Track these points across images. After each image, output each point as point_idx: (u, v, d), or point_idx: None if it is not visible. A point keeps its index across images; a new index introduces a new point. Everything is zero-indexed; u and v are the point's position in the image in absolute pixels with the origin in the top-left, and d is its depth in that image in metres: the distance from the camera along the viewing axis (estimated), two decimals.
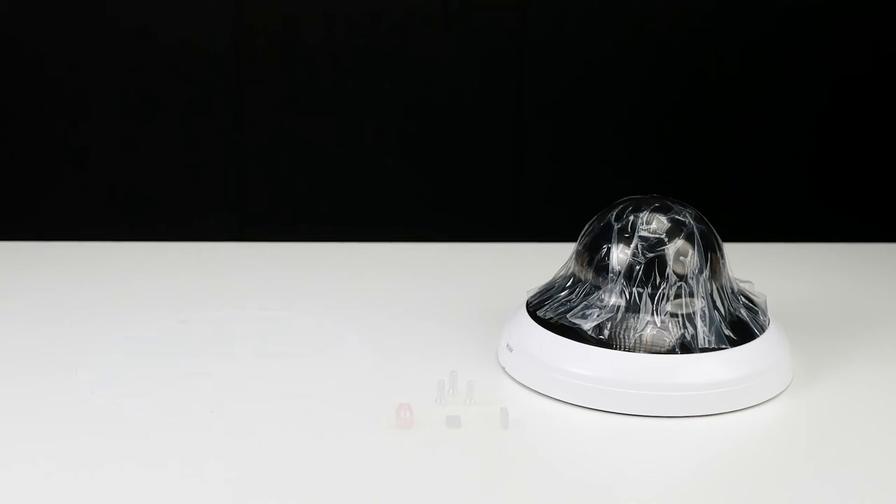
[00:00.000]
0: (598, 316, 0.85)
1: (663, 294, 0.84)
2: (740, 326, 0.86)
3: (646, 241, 0.86)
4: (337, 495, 0.72)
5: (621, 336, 0.84)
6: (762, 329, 0.88)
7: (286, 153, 1.35)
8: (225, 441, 0.79)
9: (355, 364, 0.92)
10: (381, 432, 0.80)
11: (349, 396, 0.86)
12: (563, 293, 0.89)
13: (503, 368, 0.90)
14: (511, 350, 0.89)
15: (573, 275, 0.89)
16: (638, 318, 0.84)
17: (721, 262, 0.88)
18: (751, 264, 1.16)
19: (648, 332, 0.84)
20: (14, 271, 1.14)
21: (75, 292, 1.08)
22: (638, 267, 0.85)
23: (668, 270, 0.85)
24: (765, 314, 0.90)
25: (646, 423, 0.82)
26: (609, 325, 0.85)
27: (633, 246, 0.86)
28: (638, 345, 0.84)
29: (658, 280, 0.85)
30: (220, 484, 0.73)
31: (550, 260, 0.98)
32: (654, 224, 0.86)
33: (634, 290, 0.85)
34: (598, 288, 0.86)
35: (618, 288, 0.85)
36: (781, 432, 0.83)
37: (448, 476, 0.75)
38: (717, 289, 0.86)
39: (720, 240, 0.89)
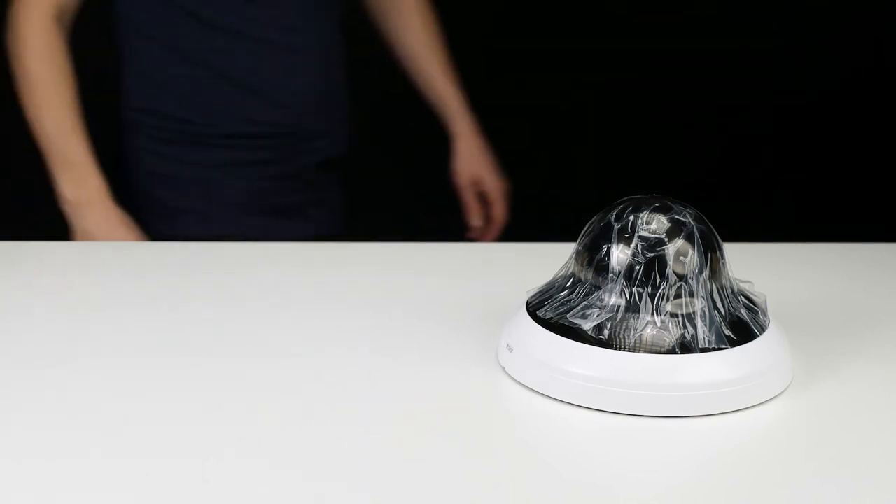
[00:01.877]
0: (598, 316, 0.85)
1: (663, 294, 0.84)
2: (740, 326, 0.86)
3: (646, 241, 0.86)
4: (337, 496, 0.72)
5: (621, 336, 0.84)
6: (762, 329, 0.88)
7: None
8: (224, 441, 0.79)
9: (355, 364, 0.92)
10: (381, 432, 0.80)
11: (349, 396, 0.86)
12: (563, 293, 0.89)
13: (503, 368, 0.90)
14: (511, 350, 0.89)
15: (573, 275, 0.89)
16: (638, 318, 0.84)
17: (721, 262, 0.88)
18: (751, 264, 1.15)
19: (648, 332, 0.84)
20: (14, 271, 1.14)
21: (76, 292, 1.07)
22: (638, 267, 0.85)
23: (668, 270, 0.85)
24: (765, 314, 0.90)
25: (646, 423, 0.82)
26: (609, 325, 0.85)
27: (633, 246, 0.86)
28: (638, 345, 0.84)
29: (658, 280, 0.85)
30: (219, 484, 0.73)
31: (550, 260, 0.98)
32: (654, 224, 0.86)
33: (634, 290, 0.85)
34: (598, 288, 0.86)
35: (618, 288, 0.85)
36: (781, 432, 0.83)
37: (448, 476, 0.75)
38: (717, 289, 0.86)
39: (720, 240, 0.89)
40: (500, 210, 1.63)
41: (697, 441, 0.81)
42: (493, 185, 1.63)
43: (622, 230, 0.87)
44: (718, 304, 0.86)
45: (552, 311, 0.88)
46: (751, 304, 0.90)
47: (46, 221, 1.38)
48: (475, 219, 1.63)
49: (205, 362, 0.92)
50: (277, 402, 0.85)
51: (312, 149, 1.51)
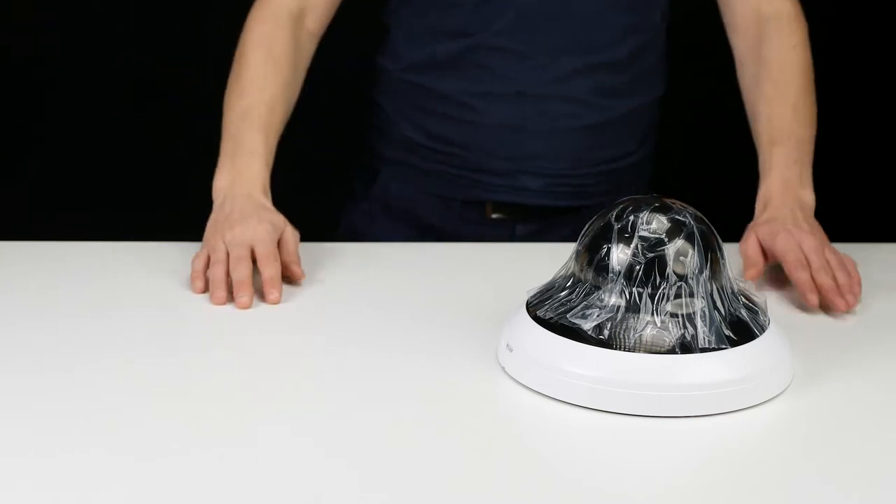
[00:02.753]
0: (598, 316, 0.85)
1: (663, 294, 0.84)
2: (740, 326, 0.86)
3: (646, 241, 0.86)
4: (336, 496, 0.72)
5: (621, 336, 0.84)
6: (762, 329, 0.88)
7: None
8: (222, 442, 0.79)
9: (355, 363, 0.92)
10: (381, 432, 0.80)
11: (349, 397, 0.86)
12: (563, 293, 0.89)
13: (503, 368, 0.90)
14: (511, 350, 0.89)
15: (573, 275, 0.89)
16: (638, 318, 0.84)
17: (721, 262, 0.88)
18: None
19: (648, 332, 0.84)
20: (14, 271, 1.13)
21: (74, 292, 1.07)
22: (638, 267, 0.85)
23: (668, 270, 0.85)
24: (765, 314, 0.90)
25: (646, 423, 0.82)
26: (609, 325, 0.84)
27: (633, 246, 0.86)
28: (638, 345, 0.84)
29: (658, 280, 0.85)
30: (217, 484, 0.73)
31: (550, 260, 0.98)
32: (654, 224, 0.86)
33: (634, 290, 0.85)
34: (598, 288, 0.86)
35: (618, 288, 0.85)
36: (781, 432, 0.83)
37: (448, 475, 0.75)
38: (717, 289, 0.86)
39: (720, 240, 0.89)
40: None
41: (697, 441, 0.81)
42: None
43: (622, 230, 0.86)
44: (718, 304, 0.86)
45: (552, 311, 0.88)
46: (751, 304, 0.90)
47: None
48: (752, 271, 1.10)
49: (202, 362, 0.92)
50: (276, 402, 0.85)
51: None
